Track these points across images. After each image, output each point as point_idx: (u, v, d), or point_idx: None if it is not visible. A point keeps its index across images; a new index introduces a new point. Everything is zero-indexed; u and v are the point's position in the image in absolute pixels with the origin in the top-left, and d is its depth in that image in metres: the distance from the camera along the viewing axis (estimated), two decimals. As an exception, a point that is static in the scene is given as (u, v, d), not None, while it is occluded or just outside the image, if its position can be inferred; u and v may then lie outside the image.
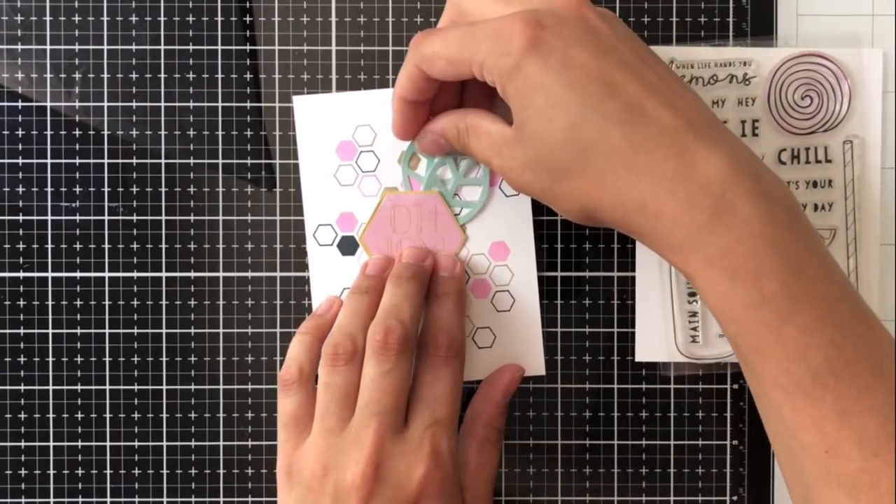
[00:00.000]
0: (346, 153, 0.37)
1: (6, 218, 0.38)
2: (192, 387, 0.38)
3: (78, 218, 0.38)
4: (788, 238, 0.27)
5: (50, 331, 0.38)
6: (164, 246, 0.38)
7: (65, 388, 0.38)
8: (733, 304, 0.27)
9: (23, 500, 0.38)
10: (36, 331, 0.38)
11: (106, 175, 0.38)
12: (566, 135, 0.28)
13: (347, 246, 0.37)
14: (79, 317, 0.38)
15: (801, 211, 0.28)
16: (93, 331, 0.38)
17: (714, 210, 0.27)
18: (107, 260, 0.38)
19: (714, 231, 0.27)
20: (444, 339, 0.33)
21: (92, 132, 0.38)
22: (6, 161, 0.38)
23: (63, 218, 0.38)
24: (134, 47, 0.37)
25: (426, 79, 0.31)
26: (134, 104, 0.38)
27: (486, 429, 0.35)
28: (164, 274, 0.38)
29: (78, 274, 0.38)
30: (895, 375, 0.26)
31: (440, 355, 0.33)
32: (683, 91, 0.29)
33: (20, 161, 0.38)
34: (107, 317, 0.38)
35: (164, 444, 0.38)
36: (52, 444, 0.38)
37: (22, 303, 0.38)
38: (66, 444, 0.38)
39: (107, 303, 0.38)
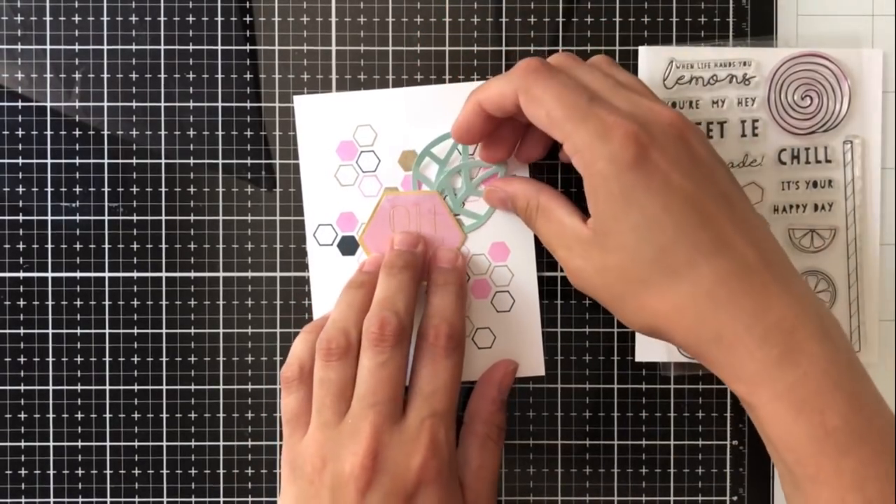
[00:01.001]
0: (346, 153, 0.37)
1: (6, 218, 0.38)
2: (192, 387, 0.38)
3: (78, 218, 0.38)
4: (848, 377, 0.28)
5: (50, 331, 0.38)
6: (164, 246, 0.38)
7: (65, 388, 0.38)
8: (797, 436, 0.28)
9: (23, 500, 0.38)
10: (36, 331, 0.38)
11: (106, 175, 0.38)
12: (655, 256, 0.29)
13: (347, 246, 0.37)
14: (79, 317, 0.38)
15: (852, 349, 0.30)
16: (93, 331, 0.38)
17: (785, 348, 0.28)
18: (107, 260, 0.38)
19: (783, 367, 0.28)
20: (444, 330, 0.33)
21: (92, 132, 0.38)
22: (6, 161, 0.38)
23: (63, 218, 0.38)
24: (134, 47, 0.37)
25: (515, 105, 0.31)
26: (134, 104, 0.38)
27: (485, 426, 0.35)
28: (164, 274, 0.38)
29: (78, 274, 0.38)
30: None
31: (440, 346, 0.33)
32: (761, 226, 0.30)
33: (20, 161, 0.38)
34: (107, 317, 0.38)
35: (164, 444, 0.38)
36: (52, 444, 0.38)
37: (22, 303, 0.38)
38: (66, 444, 0.38)
39: (107, 303, 0.38)
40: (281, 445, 0.38)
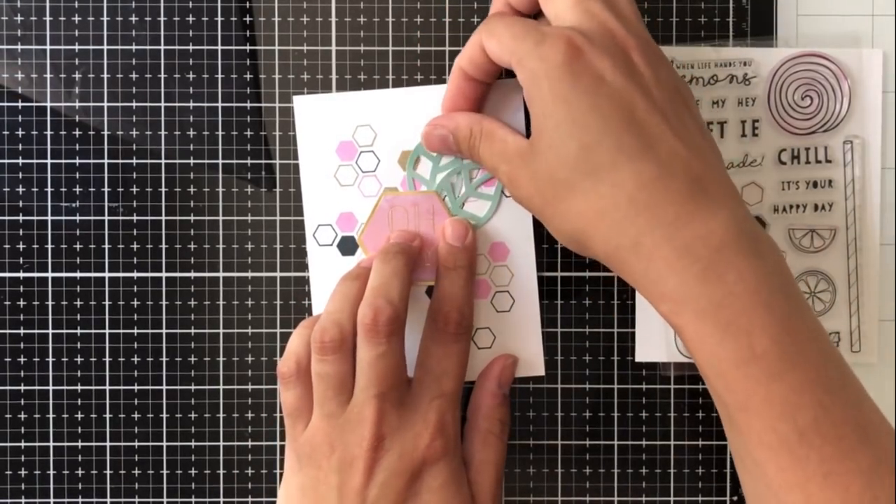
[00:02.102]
0: (346, 153, 0.37)
1: (6, 218, 0.38)
2: (192, 387, 0.38)
3: (78, 218, 0.38)
4: (781, 298, 0.27)
5: (50, 331, 0.38)
6: (164, 246, 0.38)
7: (65, 388, 0.38)
8: (723, 359, 0.27)
9: (23, 500, 0.38)
10: (36, 331, 0.38)
11: (106, 175, 0.38)
12: (578, 154, 0.28)
13: (347, 246, 0.37)
14: (79, 317, 0.38)
15: (791, 274, 0.28)
16: (93, 331, 0.38)
17: (710, 262, 0.27)
18: (107, 260, 0.38)
19: (707, 283, 0.27)
20: (454, 317, 0.34)
21: (92, 132, 0.38)
22: (6, 161, 0.38)
23: (63, 218, 0.38)
24: (134, 47, 0.37)
25: (484, 55, 0.32)
26: (134, 104, 0.38)
27: (487, 420, 0.35)
28: (164, 274, 0.38)
29: (78, 274, 0.38)
30: (879, 439, 0.27)
31: (450, 332, 0.33)
32: (704, 145, 0.29)
33: (20, 161, 0.38)
34: (107, 317, 0.38)
35: (164, 444, 0.38)
36: (52, 444, 0.38)
37: (22, 303, 0.38)
38: (66, 444, 0.38)
39: (107, 303, 0.38)
40: (282, 445, 0.38)
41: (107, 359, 0.38)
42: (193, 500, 0.38)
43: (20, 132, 0.38)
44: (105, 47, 0.37)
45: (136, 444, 0.38)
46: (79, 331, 0.38)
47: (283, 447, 0.33)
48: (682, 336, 0.28)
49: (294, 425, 0.33)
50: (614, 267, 0.29)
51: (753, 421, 0.27)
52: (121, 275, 0.38)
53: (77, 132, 0.38)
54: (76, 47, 0.37)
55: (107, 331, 0.38)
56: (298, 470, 0.33)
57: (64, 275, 0.38)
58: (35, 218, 0.38)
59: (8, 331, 0.38)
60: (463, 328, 0.34)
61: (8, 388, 0.38)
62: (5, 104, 0.38)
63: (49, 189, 0.38)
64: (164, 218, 0.38)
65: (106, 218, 0.38)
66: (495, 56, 0.31)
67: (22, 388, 0.38)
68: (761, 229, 0.29)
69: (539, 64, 0.29)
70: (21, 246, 0.38)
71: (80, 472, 0.38)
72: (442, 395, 0.33)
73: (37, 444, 0.38)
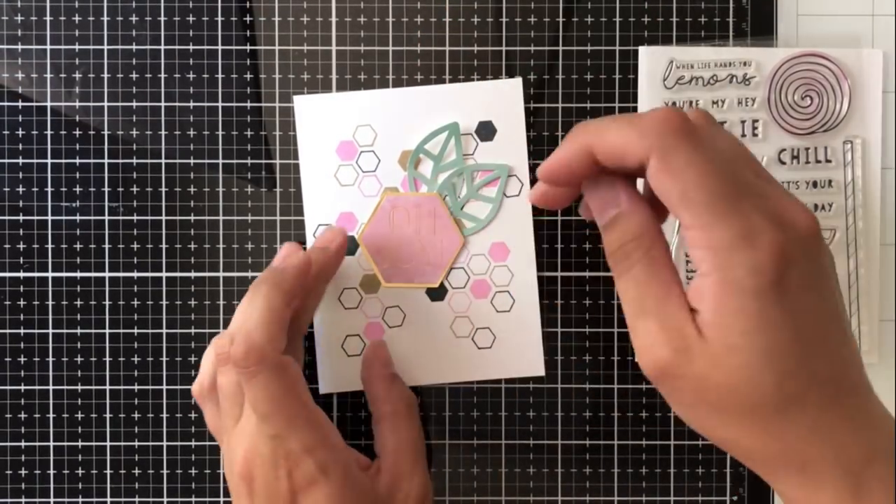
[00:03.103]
0: (346, 153, 0.37)
1: (6, 218, 0.38)
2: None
3: (78, 218, 0.38)
4: None
5: (50, 331, 0.38)
6: (164, 246, 0.38)
7: (65, 388, 0.38)
8: None
9: (23, 500, 0.38)
10: (36, 331, 0.38)
11: (106, 175, 0.38)
12: (776, 384, 0.25)
13: (347, 246, 0.37)
14: (79, 317, 0.38)
15: None
16: (93, 331, 0.38)
17: (862, 478, 0.26)
18: (107, 260, 0.38)
19: (860, 499, 0.26)
20: (238, 350, 0.31)
21: (92, 132, 0.38)
22: (6, 161, 0.38)
23: (63, 218, 0.38)
24: (134, 47, 0.37)
25: (639, 164, 0.26)
26: (134, 104, 0.38)
27: (388, 404, 0.36)
28: (164, 274, 0.38)
29: (78, 274, 0.38)
30: None
31: (239, 368, 0.31)
32: (855, 344, 0.28)
33: (20, 161, 0.38)
34: (107, 317, 0.38)
35: (164, 444, 0.38)
36: (52, 444, 0.38)
37: (22, 303, 0.38)
38: (66, 444, 0.38)
39: (107, 303, 0.38)
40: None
41: (107, 359, 0.38)
42: (193, 499, 0.38)
43: (20, 132, 0.38)
44: (105, 47, 0.37)
45: (136, 443, 0.38)
46: (79, 331, 0.38)
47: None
48: None
49: (221, 444, 0.34)
50: (767, 479, 0.28)
51: None
52: (121, 275, 0.38)
53: (77, 132, 0.38)
54: (76, 47, 0.37)
55: (107, 331, 0.38)
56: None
57: (64, 275, 0.38)
58: (35, 218, 0.38)
59: (8, 331, 0.38)
60: (253, 360, 0.31)
61: (8, 388, 0.38)
62: (5, 104, 0.38)
63: (49, 189, 0.38)
64: (164, 218, 0.38)
65: (106, 218, 0.38)
66: (667, 198, 0.26)
67: (22, 388, 0.38)
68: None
69: (749, 278, 0.25)
70: (21, 246, 0.38)
71: (80, 471, 0.38)
72: (277, 435, 0.31)
73: (37, 443, 0.38)
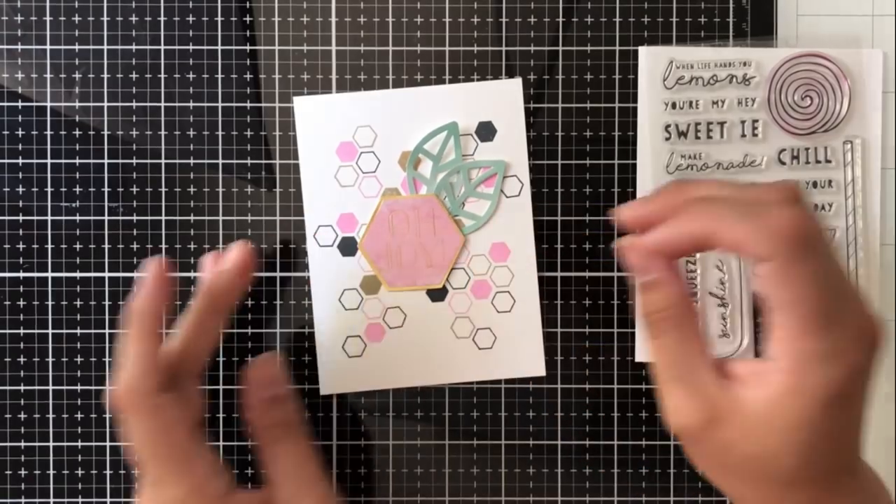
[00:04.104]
0: (346, 154, 0.37)
1: (6, 218, 0.38)
2: (192, 387, 0.38)
3: (78, 218, 0.38)
4: None
5: (50, 331, 0.38)
6: (164, 246, 0.38)
7: (65, 388, 0.38)
8: None
9: (23, 500, 0.38)
10: (36, 331, 0.38)
11: (106, 175, 0.38)
12: (799, 465, 0.27)
13: (348, 247, 0.37)
14: (79, 317, 0.38)
15: None
16: (93, 331, 0.38)
17: None
18: (107, 260, 0.38)
19: None
20: (117, 391, 0.31)
21: (92, 132, 0.38)
22: (6, 161, 0.38)
23: (63, 218, 0.38)
24: (134, 47, 0.37)
25: (755, 257, 0.27)
26: (134, 104, 0.38)
27: (268, 431, 0.34)
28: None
29: (78, 274, 0.38)
30: None
31: (122, 407, 0.31)
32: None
33: (20, 161, 0.38)
34: (107, 317, 0.38)
35: (164, 444, 0.38)
36: (52, 444, 0.38)
37: (22, 303, 0.38)
38: (66, 444, 0.38)
39: (107, 303, 0.38)
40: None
41: (106, 359, 0.38)
42: (193, 500, 0.38)
43: (20, 132, 0.38)
44: (105, 47, 0.37)
45: (136, 444, 0.38)
46: (79, 331, 0.38)
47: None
48: None
49: None
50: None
51: None
52: (121, 275, 0.38)
53: (77, 132, 0.38)
54: (76, 47, 0.37)
55: (106, 331, 0.38)
56: None
57: (64, 275, 0.38)
58: (35, 218, 0.38)
59: (8, 331, 0.38)
60: (132, 401, 0.31)
61: (8, 388, 0.38)
62: (5, 104, 0.38)
63: (49, 189, 0.38)
64: (164, 218, 0.38)
65: (106, 218, 0.38)
66: (774, 298, 0.26)
67: (22, 388, 0.38)
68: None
69: (820, 391, 0.26)
70: (21, 246, 0.38)
71: (79, 472, 0.38)
72: (156, 482, 0.31)
73: (37, 444, 0.38)
